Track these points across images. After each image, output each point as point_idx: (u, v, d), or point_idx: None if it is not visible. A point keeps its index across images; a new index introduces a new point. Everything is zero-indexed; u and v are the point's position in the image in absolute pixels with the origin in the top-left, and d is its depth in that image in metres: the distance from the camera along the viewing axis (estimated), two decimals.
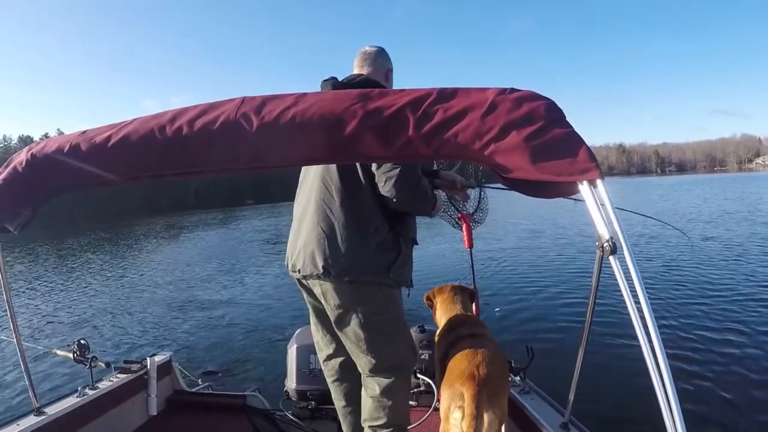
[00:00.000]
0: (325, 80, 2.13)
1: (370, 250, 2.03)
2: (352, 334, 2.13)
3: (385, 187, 2.00)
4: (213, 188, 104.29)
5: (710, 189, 45.47)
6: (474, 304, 2.59)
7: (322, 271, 2.04)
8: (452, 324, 2.35)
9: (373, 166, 2.00)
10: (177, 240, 27.28)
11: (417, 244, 2.29)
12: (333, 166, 2.08)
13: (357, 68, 2.30)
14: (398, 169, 1.97)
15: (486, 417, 1.83)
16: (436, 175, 2.58)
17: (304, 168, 2.28)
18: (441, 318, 2.49)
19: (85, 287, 12.50)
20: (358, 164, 2.05)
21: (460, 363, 1.94)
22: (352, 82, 2.13)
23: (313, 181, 2.18)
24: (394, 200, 2.02)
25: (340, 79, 2.16)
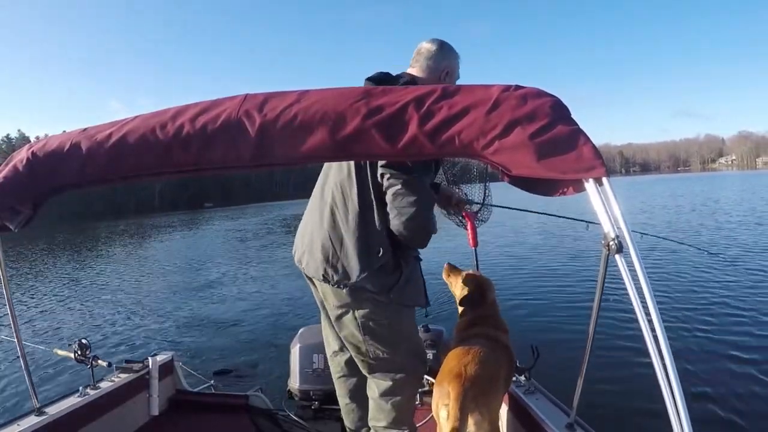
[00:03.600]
0: (367, 78, 2.01)
1: (372, 272, 1.99)
2: (350, 335, 2.13)
3: (394, 221, 1.96)
4: (177, 190, 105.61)
5: (668, 187, 49.38)
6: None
7: (322, 278, 2.05)
8: (470, 321, 2.30)
9: (388, 195, 1.94)
10: (168, 240, 27.50)
11: (421, 260, 2.22)
12: (354, 176, 2.00)
13: (410, 66, 2.17)
14: (413, 210, 1.92)
15: (471, 417, 1.82)
16: (435, 190, 2.56)
17: (326, 165, 2.21)
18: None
19: (84, 287, 12.50)
20: (372, 185, 1.98)
21: (450, 361, 1.94)
22: (398, 82, 2.02)
23: (331, 186, 2.11)
24: (398, 235, 1.98)
25: (392, 75, 2.07)
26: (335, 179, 2.09)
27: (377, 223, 1.99)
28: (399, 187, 1.91)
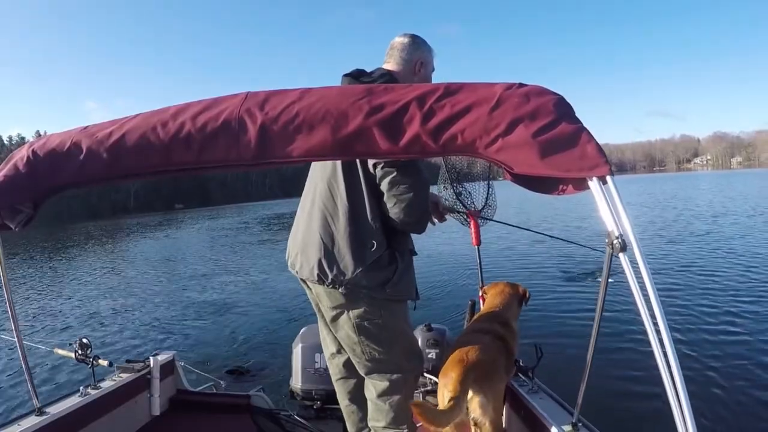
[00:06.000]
0: (344, 74, 2.05)
1: (365, 267, 1.98)
2: (345, 336, 2.12)
3: (393, 209, 1.95)
4: (152, 192, 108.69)
5: (640, 186, 52.89)
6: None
7: (317, 278, 2.03)
8: (476, 319, 2.40)
9: (383, 185, 1.94)
10: (157, 239, 27.69)
11: (416, 254, 2.22)
12: (340, 173, 2.02)
13: (384, 62, 2.20)
14: (411, 195, 1.92)
15: (476, 398, 1.88)
16: None
17: (313, 164, 2.21)
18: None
19: (82, 287, 12.53)
20: (363, 178, 1.99)
21: (453, 355, 2.00)
22: (373, 79, 2.05)
23: (320, 185, 2.11)
24: (399, 223, 1.99)
25: (367, 72, 2.09)
26: (323, 179, 2.09)
27: (369, 217, 1.99)
28: (394, 174, 1.91)
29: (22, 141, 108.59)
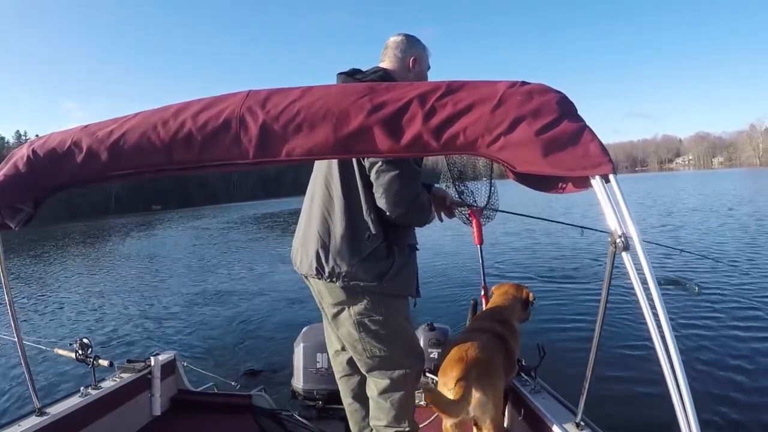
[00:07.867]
0: (339, 73, 2.10)
1: (361, 259, 2.00)
2: (347, 334, 2.13)
3: (381, 200, 1.98)
4: (133, 193, 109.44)
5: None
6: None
7: (315, 273, 2.06)
8: (476, 318, 2.47)
9: (372, 175, 1.96)
10: (154, 238, 27.69)
11: (418, 249, 2.24)
12: (335, 171, 2.06)
13: (380, 61, 2.25)
14: (398, 184, 1.94)
15: (477, 395, 1.91)
16: (428, 190, 2.54)
17: (316, 163, 2.24)
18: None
19: (82, 286, 12.49)
20: (357, 171, 2.02)
21: (452, 353, 2.05)
22: (365, 75, 2.10)
23: (318, 182, 2.16)
24: (390, 214, 2.00)
25: (362, 71, 2.13)
26: (321, 176, 2.14)
27: (364, 209, 2.02)
28: (380, 164, 1.93)
29: (2, 142, 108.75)
